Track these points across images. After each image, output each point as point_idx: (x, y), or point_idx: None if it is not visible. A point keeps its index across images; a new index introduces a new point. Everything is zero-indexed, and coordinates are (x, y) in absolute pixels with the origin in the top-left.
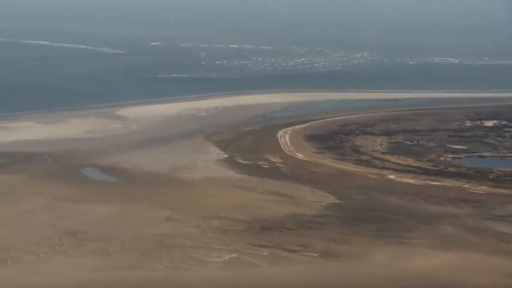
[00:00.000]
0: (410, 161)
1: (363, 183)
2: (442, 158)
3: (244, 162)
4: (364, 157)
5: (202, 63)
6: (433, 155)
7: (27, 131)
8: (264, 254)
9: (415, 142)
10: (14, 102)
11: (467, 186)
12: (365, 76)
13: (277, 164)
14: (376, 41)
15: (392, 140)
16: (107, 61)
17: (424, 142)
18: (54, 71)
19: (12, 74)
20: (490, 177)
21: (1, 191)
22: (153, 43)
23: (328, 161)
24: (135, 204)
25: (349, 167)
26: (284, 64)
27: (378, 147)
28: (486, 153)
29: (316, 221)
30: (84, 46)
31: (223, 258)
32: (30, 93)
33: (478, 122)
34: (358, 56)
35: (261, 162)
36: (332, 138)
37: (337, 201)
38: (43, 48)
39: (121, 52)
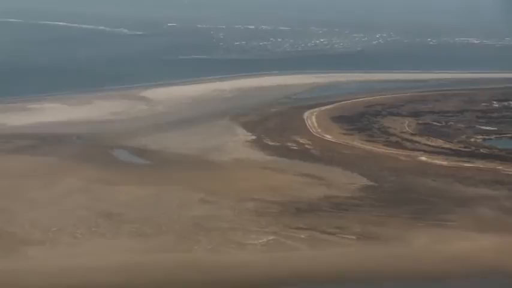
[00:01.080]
0: (440, 143)
1: (395, 165)
2: (472, 140)
3: (273, 143)
4: (394, 138)
5: (221, 44)
6: (463, 136)
7: (54, 113)
8: (302, 236)
9: (444, 123)
10: (38, 84)
11: (501, 168)
12: (386, 57)
13: (306, 146)
14: (394, 21)
15: (420, 121)
16: (126, 42)
17: (452, 123)
18: (75, 52)
19: (33, 55)
20: None
21: (34, 173)
22: (170, 24)
23: (358, 143)
24: (168, 186)
25: (379, 148)
26: (303, 45)
27: (407, 128)
28: None
29: (352, 203)
30: (102, 27)
31: (261, 241)
32: (53, 75)
33: (505, 103)
34: (377, 36)
35: (289, 144)
36: (359, 120)
37: (371, 183)
38: (61, 30)
39: (139, 33)
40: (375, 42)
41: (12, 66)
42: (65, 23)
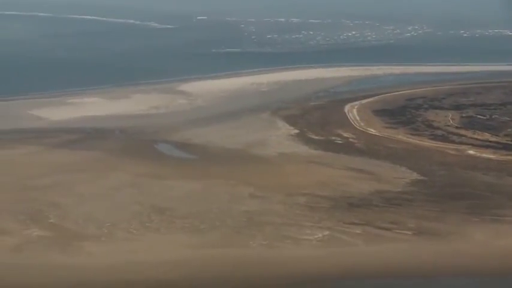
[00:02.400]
0: (487, 136)
1: (443, 159)
2: None
3: (317, 137)
4: (439, 132)
5: (253, 37)
6: (510, 129)
7: (94, 107)
8: (357, 231)
9: (488, 116)
10: (75, 78)
11: None
12: (421, 49)
13: (351, 140)
14: (424, 13)
15: (464, 115)
16: (157, 36)
17: (497, 116)
18: (108, 46)
19: (66, 49)
20: None
21: (82, 168)
22: (199, 17)
23: (403, 136)
24: (216, 180)
25: (425, 142)
26: (336, 38)
27: (451, 121)
28: None
29: (404, 197)
30: (132, 21)
31: (316, 236)
32: (89, 69)
33: None
34: (409, 28)
35: (333, 138)
36: (401, 113)
37: (421, 178)
38: (91, 23)
39: (169, 27)
40: (407, 34)
41: (46, 60)
42: (93, 17)
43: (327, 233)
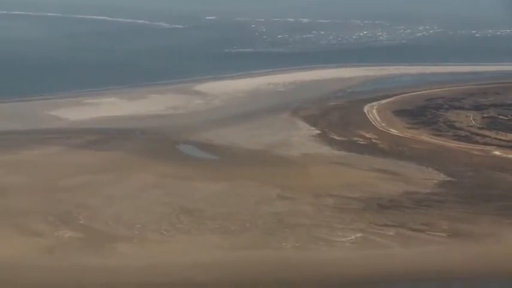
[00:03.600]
0: (511, 137)
1: (469, 160)
2: None
3: (339, 138)
4: (462, 133)
5: (264, 37)
6: None
7: (113, 107)
8: (390, 233)
9: (510, 117)
10: (91, 78)
11: None
12: (434, 49)
13: (373, 140)
14: (433, 13)
15: (485, 115)
16: (167, 36)
17: None
18: (120, 46)
19: (79, 49)
20: None
21: (105, 168)
22: (208, 17)
23: (426, 137)
24: (241, 181)
25: (449, 143)
26: (347, 37)
27: (473, 122)
28: None
29: (433, 199)
30: (142, 21)
31: (349, 238)
32: (104, 69)
33: None
34: (420, 28)
35: (356, 138)
36: (422, 113)
37: (449, 179)
38: (101, 24)
39: (179, 27)
40: (418, 34)
41: (60, 60)
42: (103, 17)
43: (359, 235)
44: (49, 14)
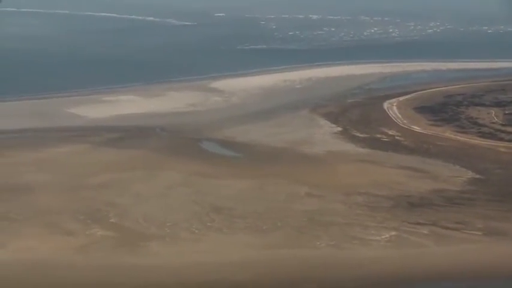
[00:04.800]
0: None
1: (497, 157)
2: None
3: (362, 135)
4: (486, 129)
5: (276, 34)
6: None
7: (131, 105)
8: (424, 232)
9: None
10: (106, 76)
11: None
12: (447, 45)
13: (397, 137)
14: (443, 9)
15: (507, 112)
16: (178, 33)
17: None
18: (132, 43)
19: (92, 47)
20: None
21: (130, 166)
22: (217, 14)
23: (450, 134)
24: (268, 179)
25: (474, 140)
26: (359, 34)
27: (495, 119)
28: None
29: (464, 197)
30: (151, 18)
31: (383, 237)
32: (118, 67)
33: None
34: (431, 25)
35: (379, 136)
36: (443, 110)
37: (478, 176)
38: (111, 21)
39: (189, 24)
40: (430, 31)
41: (74, 57)
42: (112, 14)
43: (393, 233)
44: (58, 11)
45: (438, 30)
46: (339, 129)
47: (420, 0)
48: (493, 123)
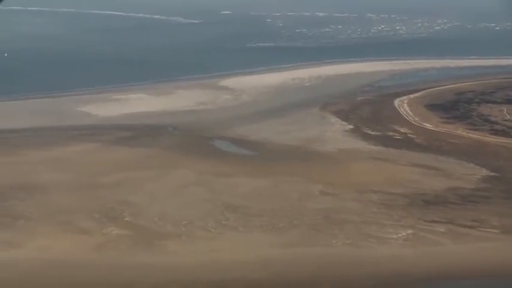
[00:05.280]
0: None
1: (510, 154)
2: None
3: (374, 133)
4: (498, 127)
5: (283, 31)
6: None
7: (141, 103)
8: (441, 230)
9: None
10: (115, 74)
11: None
12: (455, 43)
13: (409, 135)
14: (449, 6)
15: None
16: (185, 31)
17: None
18: (140, 41)
19: (100, 45)
20: None
21: (142, 165)
22: (224, 12)
23: (462, 132)
24: (281, 177)
25: (487, 137)
26: (366, 31)
27: (508, 116)
28: None
29: (479, 195)
30: (158, 16)
31: (400, 235)
32: (126, 65)
33: None
34: (438, 22)
35: (391, 133)
36: (454, 107)
37: (492, 174)
38: (117, 19)
39: (195, 22)
40: (437, 28)
41: (82, 56)
42: (118, 12)
43: (410, 231)
44: (63, 9)
45: (446, 28)
46: (351, 126)
47: None
48: (505, 120)
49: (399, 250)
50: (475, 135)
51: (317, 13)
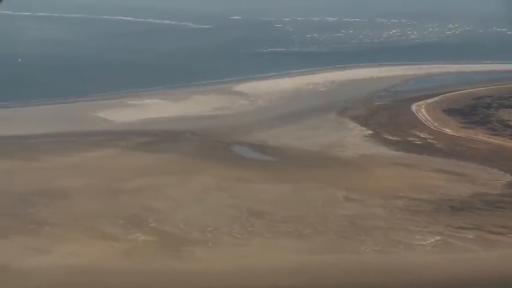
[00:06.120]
0: None
1: None
2: None
3: (393, 138)
4: None
5: (294, 37)
6: None
7: (157, 108)
8: (470, 236)
9: None
10: (129, 79)
11: None
12: (467, 47)
13: (429, 140)
14: (460, 12)
15: None
16: (197, 36)
17: None
18: (152, 46)
19: (113, 50)
20: None
21: (163, 171)
22: (233, 17)
23: (482, 137)
24: (304, 183)
25: (508, 143)
26: (378, 36)
27: None
28: None
29: (506, 200)
30: (168, 21)
31: (428, 241)
32: (140, 70)
33: None
34: (449, 27)
35: (411, 139)
36: (473, 112)
37: None
38: (129, 24)
39: (206, 27)
40: (448, 32)
41: (96, 61)
42: (129, 18)
43: (438, 238)
44: (73, 15)
45: (457, 32)
46: (370, 132)
47: (434, 3)
48: None
49: (429, 257)
50: (496, 141)
51: (327, 18)
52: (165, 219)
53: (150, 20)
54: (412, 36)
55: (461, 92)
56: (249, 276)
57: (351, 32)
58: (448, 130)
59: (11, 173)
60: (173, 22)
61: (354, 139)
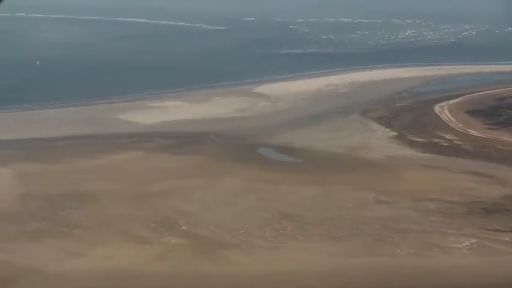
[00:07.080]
0: None
1: None
2: None
3: (419, 140)
4: None
5: (309, 38)
6: None
7: (179, 110)
8: (506, 239)
9: None
10: (148, 81)
11: None
12: (485, 48)
13: (455, 142)
14: (475, 12)
15: None
16: (212, 38)
17: None
18: (168, 48)
19: (129, 52)
20: None
21: (190, 173)
22: (247, 19)
23: (509, 138)
24: (333, 185)
25: None
26: (394, 37)
27: None
28: None
29: None
30: (182, 23)
31: (464, 244)
32: (158, 72)
33: None
34: (466, 27)
35: (436, 140)
36: (497, 113)
37: None
38: (142, 26)
39: (220, 28)
40: (465, 33)
41: (113, 63)
42: (143, 20)
43: (473, 240)
44: (87, 17)
45: (474, 33)
46: (394, 133)
47: (447, 3)
48: None
49: (465, 260)
50: None
51: (341, 19)
52: (196, 222)
53: (164, 21)
54: (429, 37)
55: (484, 92)
56: (284, 280)
57: (367, 33)
58: (473, 131)
59: (39, 176)
60: (187, 24)
61: (379, 141)
